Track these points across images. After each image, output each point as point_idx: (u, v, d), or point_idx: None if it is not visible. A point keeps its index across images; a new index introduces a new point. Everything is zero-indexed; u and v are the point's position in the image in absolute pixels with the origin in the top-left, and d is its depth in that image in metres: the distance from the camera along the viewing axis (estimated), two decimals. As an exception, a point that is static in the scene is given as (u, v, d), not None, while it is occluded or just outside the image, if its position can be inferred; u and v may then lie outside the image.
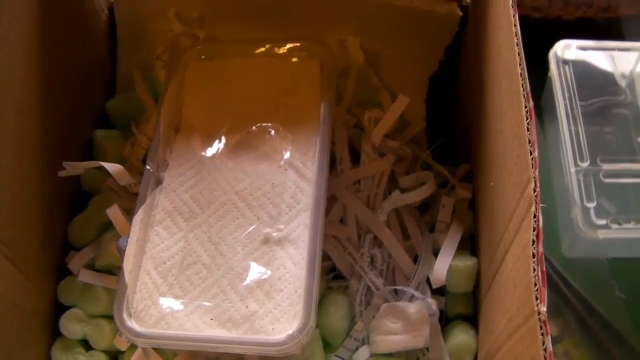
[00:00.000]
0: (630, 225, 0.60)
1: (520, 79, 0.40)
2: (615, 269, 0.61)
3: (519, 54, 0.41)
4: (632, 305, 0.60)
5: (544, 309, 0.35)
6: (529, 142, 0.38)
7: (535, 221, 0.36)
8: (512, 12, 0.42)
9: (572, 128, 0.63)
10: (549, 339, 0.34)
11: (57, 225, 0.56)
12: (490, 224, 0.47)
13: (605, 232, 0.60)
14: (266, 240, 0.48)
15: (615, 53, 0.67)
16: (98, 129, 0.60)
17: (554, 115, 0.65)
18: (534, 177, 0.37)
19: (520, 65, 0.40)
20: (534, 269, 0.35)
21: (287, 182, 0.50)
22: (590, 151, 0.62)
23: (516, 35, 0.41)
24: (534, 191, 0.37)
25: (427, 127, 0.60)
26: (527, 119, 0.39)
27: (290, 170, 0.50)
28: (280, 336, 0.45)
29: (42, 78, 0.52)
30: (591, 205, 0.60)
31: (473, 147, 0.54)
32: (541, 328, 0.34)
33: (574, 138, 0.63)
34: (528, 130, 0.38)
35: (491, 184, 0.47)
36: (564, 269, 0.63)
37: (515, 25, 0.42)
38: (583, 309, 0.62)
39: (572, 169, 0.62)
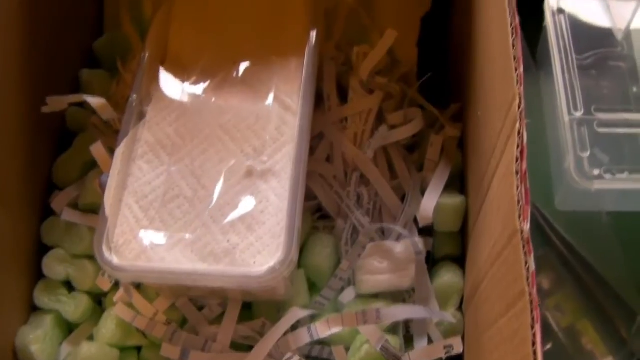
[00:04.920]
0: (624, 176, 0.58)
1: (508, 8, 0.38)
2: (606, 222, 0.61)
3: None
4: (628, 260, 0.59)
5: (527, 227, 0.34)
6: (514, 58, 0.37)
7: (519, 137, 0.35)
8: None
9: (567, 78, 0.61)
10: (531, 259, 0.33)
11: (42, 165, 0.56)
12: (478, 154, 0.46)
13: (599, 183, 0.58)
14: (249, 173, 0.47)
15: (612, 2, 0.65)
16: (84, 69, 0.59)
17: (549, 66, 0.64)
18: (519, 94, 0.36)
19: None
20: (517, 187, 0.34)
21: (271, 114, 0.49)
22: (584, 101, 0.61)
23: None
24: (519, 107, 0.36)
25: (419, 71, 0.59)
26: (512, 35, 0.37)
27: (275, 103, 0.49)
28: (261, 269, 0.44)
29: (23, 17, 0.51)
30: (585, 154, 0.59)
31: (463, 83, 0.53)
32: (524, 247, 0.33)
33: (569, 88, 0.61)
34: (514, 47, 0.37)
35: (479, 113, 0.45)
36: (557, 222, 0.62)
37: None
38: (576, 263, 0.61)
39: (566, 118, 0.60)
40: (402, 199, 0.52)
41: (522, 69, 0.36)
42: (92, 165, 0.54)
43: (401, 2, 0.58)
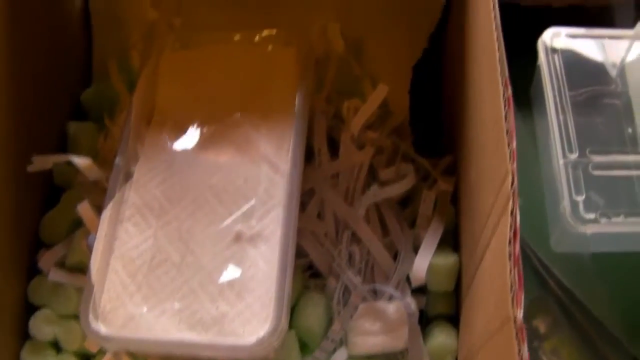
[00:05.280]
0: (619, 219, 0.58)
1: (499, 65, 0.38)
2: (601, 264, 0.60)
3: (497, 39, 0.38)
4: (620, 301, 0.59)
5: (520, 314, 0.33)
6: (507, 132, 0.36)
7: (512, 218, 0.34)
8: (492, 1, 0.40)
9: (561, 118, 0.61)
10: (525, 347, 0.32)
11: (29, 221, 0.54)
12: (471, 217, 0.45)
13: (594, 227, 0.57)
14: (238, 238, 0.46)
15: (606, 41, 0.64)
16: (71, 121, 0.58)
17: (543, 105, 0.63)
18: (512, 171, 0.35)
19: (498, 50, 0.38)
20: (510, 270, 0.33)
21: (260, 176, 0.48)
22: (579, 142, 0.60)
23: (495, 19, 0.39)
24: (512, 186, 0.35)
25: (412, 118, 0.58)
26: (505, 107, 0.36)
27: (264, 164, 0.48)
28: (250, 339, 0.43)
29: (8, 67, 0.50)
30: (580, 198, 0.58)
31: (456, 137, 0.52)
32: (517, 335, 0.32)
33: (563, 129, 0.60)
34: (506, 119, 0.36)
35: (472, 176, 0.44)
36: (552, 264, 0.61)
37: (494, 8, 0.39)
38: (572, 305, 0.60)
39: (561, 161, 0.59)
40: (395, 256, 0.51)
41: (514, 144, 0.35)
42: (79, 223, 0.52)
43: (392, 51, 0.57)
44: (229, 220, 0.47)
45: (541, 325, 0.60)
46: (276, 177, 0.47)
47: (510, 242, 0.34)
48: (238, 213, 0.47)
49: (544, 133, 0.64)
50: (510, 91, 0.37)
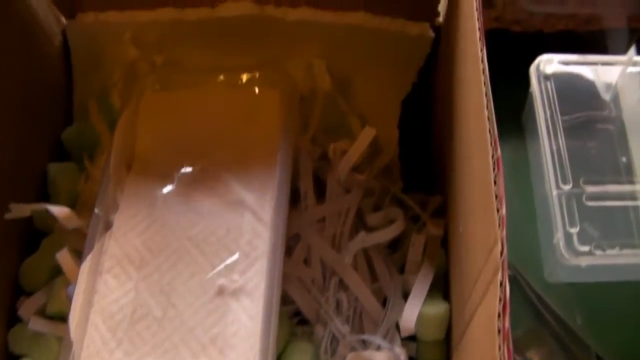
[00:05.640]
0: (614, 252, 0.57)
1: (488, 123, 0.36)
2: (596, 294, 0.60)
3: (486, 95, 0.37)
4: (615, 331, 0.58)
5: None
6: (496, 197, 0.34)
7: (502, 290, 0.33)
8: (479, 45, 0.39)
9: (554, 147, 0.60)
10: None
11: (8, 267, 0.53)
12: (460, 272, 0.43)
13: (589, 259, 0.56)
14: (221, 292, 0.45)
15: (599, 67, 0.63)
16: (52, 162, 0.56)
17: (535, 132, 0.62)
18: (501, 239, 0.34)
19: (487, 107, 0.37)
20: (500, 347, 0.32)
21: (243, 226, 0.46)
22: (573, 172, 0.59)
23: (483, 73, 0.38)
24: (501, 255, 0.33)
25: (401, 149, 0.57)
26: (494, 170, 0.35)
27: (247, 213, 0.47)
28: (234, 398, 0.41)
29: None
30: (574, 230, 0.57)
31: (445, 180, 0.50)
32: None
33: (556, 158, 0.59)
34: (495, 183, 0.35)
35: (460, 229, 0.43)
36: (546, 294, 0.60)
37: (482, 61, 0.38)
38: (567, 336, 0.59)
39: (554, 192, 0.58)
40: (384, 302, 0.49)
41: (504, 210, 0.34)
42: (59, 269, 0.51)
43: (380, 86, 0.55)
44: (211, 273, 0.45)
45: (535, 357, 0.59)
46: (259, 226, 0.46)
47: (499, 316, 0.32)
48: (221, 266, 0.45)
49: (536, 161, 0.63)
50: (499, 152, 0.35)
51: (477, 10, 0.39)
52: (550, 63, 0.63)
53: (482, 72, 0.37)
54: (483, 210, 0.36)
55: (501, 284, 0.33)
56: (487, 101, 0.37)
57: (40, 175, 0.56)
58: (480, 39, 0.39)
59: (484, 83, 0.37)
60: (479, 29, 0.39)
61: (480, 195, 0.37)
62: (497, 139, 0.36)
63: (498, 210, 0.34)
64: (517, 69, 0.63)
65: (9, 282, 0.53)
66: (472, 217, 0.39)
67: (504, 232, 0.34)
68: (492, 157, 0.35)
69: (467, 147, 0.41)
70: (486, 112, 0.36)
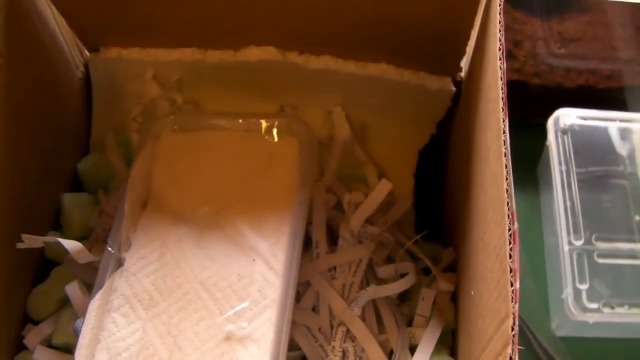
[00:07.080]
0: (623, 310, 0.57)
1: (506, 195, 0.36)
2: (604, 348, 0.60)
3: (506, 166, 0.37)
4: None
5: None
6: (511, 270, 0.34)
7: (511, 366, 0.33)
8: (501, 115, 0.39)
9: (568, 203, 0.60)
10: None
11: (17, 294, 0.53)
12: (469, 335, 0.43)
13: (597, 316, 0.56)
14: (228, 337, 0.45)
15: (617, 123, 0.63)
16: (66, 192, 0.56)
17: (550, 185, 0.62)
18: (513, 313, 0.34)
19: (507, 179, 0.37)
20: None
21: (254, 273, 0.46)
22: (585, 228, 0.59)
23: (504, 144, 0.38)
24: (512, 330, 0.33)
25: (416, 199, 0.57)
26: (510, 243, 0.35)
27: (259, 261, 0.47)
28: None
29: (7, 139, 0.49)
30: (583, 287, 0.57)
31: (458, 237, 0.50)
32: None
33: (570, 213, 0.59)
34: (510, 257, 0.35)
35: (472, 292, 0.43)
36: (553, 347, 0.60)
37: (504, 133, 0.38)
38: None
39: (566, 248, 0.58)
40: (390, 354, 0.49)
41: (517, 284, 0.34)
42: (67, 299, 0.51)
43: (399, 137, 0.56)
44: (220, 319, 0.45)
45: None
46: (270, 274, 0.46)
47: (508, 392, 0.32)
48: (230, 312, 0.45)
49: (549, 213, 0.63)
50: (516, 226, 0.35)
51: (500, 79, 0.39)
52: (567, 117, 0.63)
53: (502, 142, 0.38)
54: (496, 281, 0.36)
55: (510, 358, 0.33)
56: (507, 173, 0.37)
57: (54, 204, 0.57)
58: (502, 109, 0.39)
59: (505, 155, 0.37)
60: (502, 95, 0.39)
61: (494, 266, 0.37)
62: (515, 212, 0.36)
63: (512, 284, 0.34)
64: (535, 120, 0.63)
65: (18, 310, 0.53)
66: (484, 286, 0.39)
67: (517, 307, 0.34)
68: (509, 230, 0.35)
69: (483, 214, 0.41)
70: (505, 184, 0.36)
